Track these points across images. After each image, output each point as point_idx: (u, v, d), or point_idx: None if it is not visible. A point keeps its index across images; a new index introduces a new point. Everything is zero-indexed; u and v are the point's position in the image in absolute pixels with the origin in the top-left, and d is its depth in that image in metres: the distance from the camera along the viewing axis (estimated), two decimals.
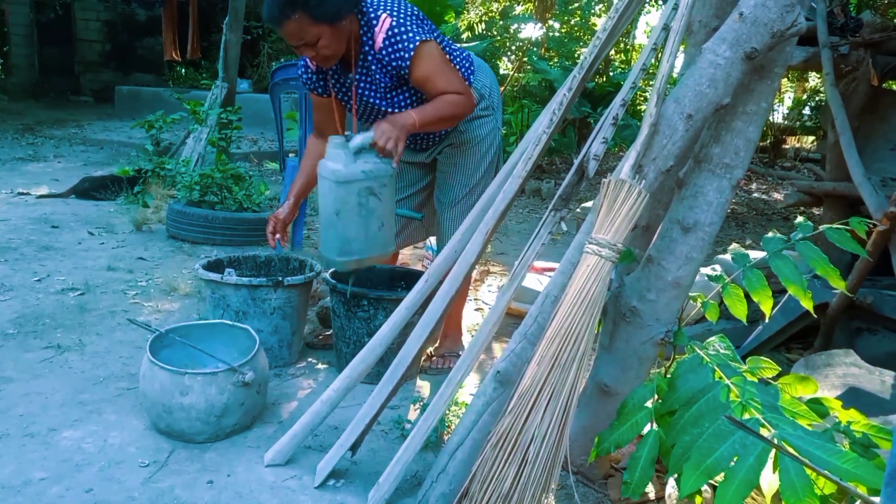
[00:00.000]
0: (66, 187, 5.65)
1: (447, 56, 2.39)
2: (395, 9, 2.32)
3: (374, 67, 2.36)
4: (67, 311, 3.01)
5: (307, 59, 2.46)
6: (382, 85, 2.39)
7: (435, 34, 2.37)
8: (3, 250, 3.81)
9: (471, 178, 2.60)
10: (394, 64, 2.31)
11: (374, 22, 2.29)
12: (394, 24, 2.27)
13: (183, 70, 13.05)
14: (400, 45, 2.28)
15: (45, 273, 3.49)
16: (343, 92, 2.50)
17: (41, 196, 5.44)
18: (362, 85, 2.42)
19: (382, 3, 2.33)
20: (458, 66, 2.47)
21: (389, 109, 2.42)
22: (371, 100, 2.44)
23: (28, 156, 7.54)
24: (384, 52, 2.30)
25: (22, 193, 5.49)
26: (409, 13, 2.34)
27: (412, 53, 2.27)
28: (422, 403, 2.29)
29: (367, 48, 2.34)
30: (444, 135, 2.56)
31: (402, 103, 2.42)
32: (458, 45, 2.62)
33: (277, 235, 2.57)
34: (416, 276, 2.41)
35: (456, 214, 2.60)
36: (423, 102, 2.39)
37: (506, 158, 2.15)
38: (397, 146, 2.16)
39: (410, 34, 2.27)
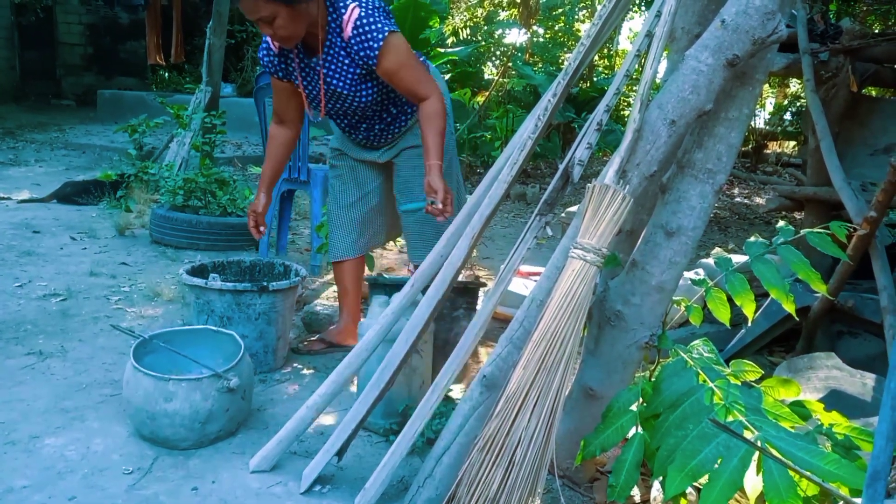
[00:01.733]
0: (47, 192, 5.60)
1: (409, 46, 2.41)
2: (363, 0, 2.33)
3: (342, 55, 2.38)
4: (49, 317, 2.98)
5: (269, 42, 2.47)
6: (349, 73, 2.41)
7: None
8: None
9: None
10: (362, 54, 2.33)
11: (343, 11, 2.32)
12: (362, 14, 2.30)
13: (166, 74, 12.99)
14: (369, 36, 2.30)
15: (26, 279, 3.46)
16: (307, 78, 2.49)
17: (22, 201, 5.38)
18: (328, 71, 2.43)
19: None
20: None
21: (356, 98, 2.45)
22: (338, 88, 2.44)
23: (9, 160, 7.46)
24: (353, 42, 2.32)
25: (2, 198, 5.43)
26: (376, 5, 2.35)
27: (380, 44, 2.29)
28: (408, 408, 2.29)
29: (333, 36, 2.36)
30: (398, 134, 2.58)
31: (368, 92, 2.44)
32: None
33: (262, 227, 2.60)
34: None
35: (421, 218, 2.59)
36: (389, 92, 2.47)
37: (491, 163, 2.16)
38: (448, 198, 2.27)
39: (379, 24, 2.30)
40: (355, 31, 2.31)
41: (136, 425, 2.05)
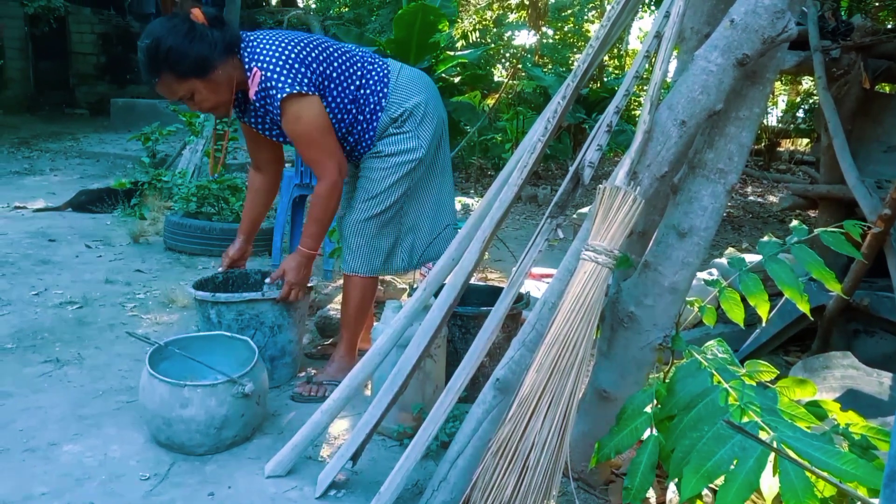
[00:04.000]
0: (62, 201, 5.65)
1: (321, 116, 2.28)
2: (268, 58, 2.23)
3: (257, 110, 2.35)
4: (66, 325, 3.00)
5: None
6: (272, 124, 2.37)
7: (310, 78, 2.25)
8: (1, 265, 3.81)
9: (372, 191, 2.42)
10: (271, 116, 2.31)
11: (248, 74, 2.25)
12: (262, 77, 2.22)
13: None
14: (270, 101, 2.24)
15: (42, 287, 3.49)
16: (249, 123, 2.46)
17: (38, 210, 5.44)
18: (256, 124, 2.40)
19: (257, 53, 2.24)
20: (363, 94, 2.38)
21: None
22: (273, 136, 2.43)
23: (24, 169, 7.54)
24: (258, 105, 2.29)
25: (19, 207, 5.49)
26: (282, 60, 2.22)
27: (278, 108, 2.23)
28: (422, 412, 2.29)
29: (248, 94, 2.31)
30: (370, 145, 2.45)
31: None
32: (379, 60, 2.47)
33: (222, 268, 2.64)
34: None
35: (351, 223, 2.46)
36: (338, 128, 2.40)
37: (502, 166, 2.16)
38: (293, 293, 2.41)
39: (278, 87, 2.20)
40: (258, 96, 2.25)
41: (152, 431, 2.07)
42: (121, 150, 8.79)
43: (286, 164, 2.95)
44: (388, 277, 3.51)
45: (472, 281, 2.31)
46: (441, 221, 2.60)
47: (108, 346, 2.82)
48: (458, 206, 6.88)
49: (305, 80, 2.24)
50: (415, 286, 2.79)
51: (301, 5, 16.27)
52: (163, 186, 5.39)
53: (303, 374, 2.59)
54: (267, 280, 2.48)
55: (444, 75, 9.34)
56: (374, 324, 2.41)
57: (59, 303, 3.28)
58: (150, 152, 5.94)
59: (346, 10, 14.13)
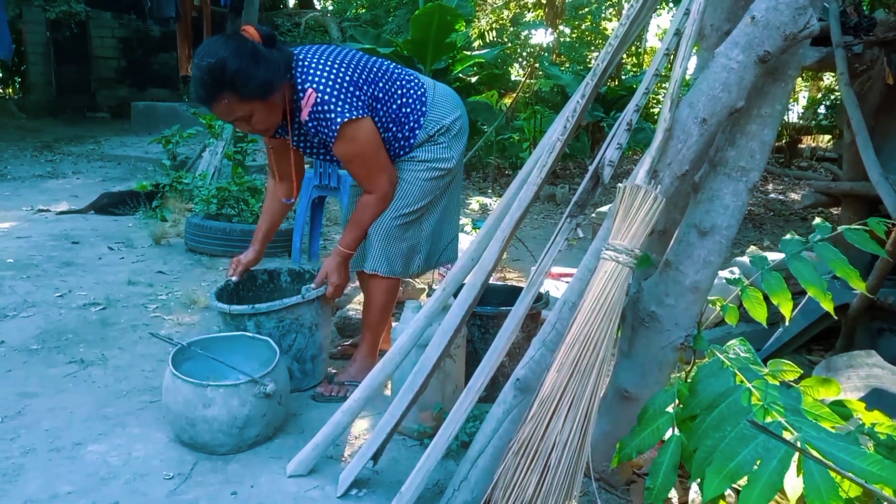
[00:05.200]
0: (85, 203, 5.73)
1: (374, 135, 2.32)
2: (324, 80, 2.23)
3: (307, 131, 2.37)
4: (89, 326, 3.04)
5: None
6: (320, 145, 2.43)
7: (363, 101, 2.28)
8: (25, 267, 3.87)
9: (403, 194, 2.44)
10: (320, 137, 2.33)
11: (301, 95, 2.25)
12: (318, 99, 2.22)
13: None
14: (325, 123, 2.25)
15: (66, 289, 3.54)
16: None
17: (61, 212, 5.51)
18: (298, 141, 2.44)
19: (311, 73, 2.25)
20: (404, 112, 2.41)
21: (332, 158, 2.47)
22: (311, 156, 2.50)
23: (47, 173, 7.64)
24: (310, 125, 2.29)
25: (42, 210, 5.56)
26: (337, 83, 2.24)
27: (335, 133, 2.25)
28: (442, 412, 2.30)
29: (297, 115, 2.31)
30: (401, 157, 2.47)
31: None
32: (414, 77, 2.50)
33: (233, 274, 2.62)
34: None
35: (379, 224, 2.44)
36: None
37: (519, 165, 2.15)
38: (338, 292, 2.47)
39: (336, 112, 2.22)
40: (311, 117, 2.26)
41: (175, 431, 2.09)
42: (142, 153, 8.88)
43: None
44: (404, 278, 3.52)
45: (491, 281, 2.29)
46: (451, 228, 2.67)
47: (131, 346, 2.85)
48: (476, 206, 6.87)
49: (359, 104, 2.27)
50: (433, 286, 2.80)
51: (318, 7, 16.34)
52: (183, 189, 5.44)
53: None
54: (311, 285, 2.46)
55: (461, 75, 9.35)
56: (394, 324, 2.42)
57: (83, 304, 3.32)
58: (170, 155, 6.00)
59: (364, 11, 14.16)
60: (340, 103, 2.23)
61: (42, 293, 3.44)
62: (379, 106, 2.36)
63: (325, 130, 2.27)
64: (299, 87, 2.25)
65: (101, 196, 5.77)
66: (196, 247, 4.41)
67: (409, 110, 2.42)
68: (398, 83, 2.43)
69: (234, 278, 2.60)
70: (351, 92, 2.26)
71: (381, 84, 2.37)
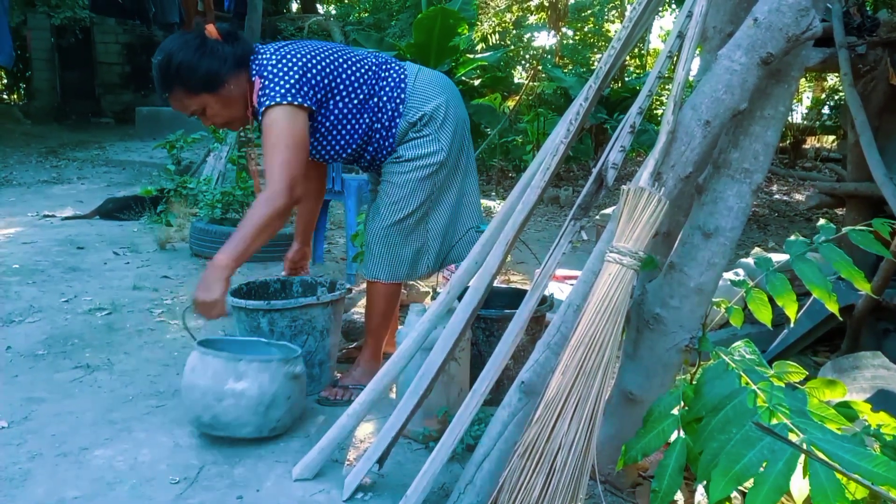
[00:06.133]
0: (90, 209, 5.76)
1: (296, 128, 2.18)
2: (268, 68, 2.21)
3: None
4: (95, 331, 3.05)
5: None
6: None
7: (307, 90, 2.21)
8: (31, 272, 3.88)
9: (394, 196, 2.40)
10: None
11: (254, 84, 2.24)
12: (260, 86, 2.20)
13: None
14: (260, 108, 2.21)
15: (72, 294, 3.55)
16: None
17: (66, 218, 5.54)
18: None
19: (262, 64, 2.23)
20: (377, 103, 2.37)
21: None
22: None
23: (52, 178, 7.68)
24: (259, 113, 2.26)
25: (47, 216, 5.59)
26: (280, 70, 2.20)
27: (262, 115, 2.20)
28: (447, 415, 2.30)
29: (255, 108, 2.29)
30: (391, 151, 2.43)
31: (317, 144, 2.37)
32: (396, 65, 2.44)
33: (287, 272, 2.69)
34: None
35: (374, 229, 2.44)
36: (349, 143, 2.38)
37: (523, 168, 2.15)
38: (208, 313, 2.11)
39: (266, 95, 2.17)
40: (258, 104, 2.22)
41: (196, 413, 2.07)
42: (146, 158, 8.92)
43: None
44: (410, 281, 3.52)
45: (495, 283, 2.28)
46: (465, 224, 2.58)
47: (136, 351, 2.86)
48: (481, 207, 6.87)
49: (301, 92, 2.20)
50: (437, 289, 2.80)
51: (321, 12, 16.38)
52: (188, 193, 5.46)
53: None
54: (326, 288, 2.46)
55: (464, 78, 9.36)
56: (399, 327, 2.42)
57: (89, 309, 3.33)
58: (174, 160, 6.02)
59: (366, 15, 14.21)
60: (277, 87, 2.17)
61: (48, 298, 3.45)
62: (339, 98, 2.31)
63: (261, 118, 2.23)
64: (253, 79, 2.25)
65: (105, 201, 5.80)
66: (201, 251, 4.42)
67: (385, 98, 2.37)
68: (371, 72, 2.38)
69: (283, 274, 2.70)
70: (293, 80, 2.19)
71: (344, 75, 2.32)
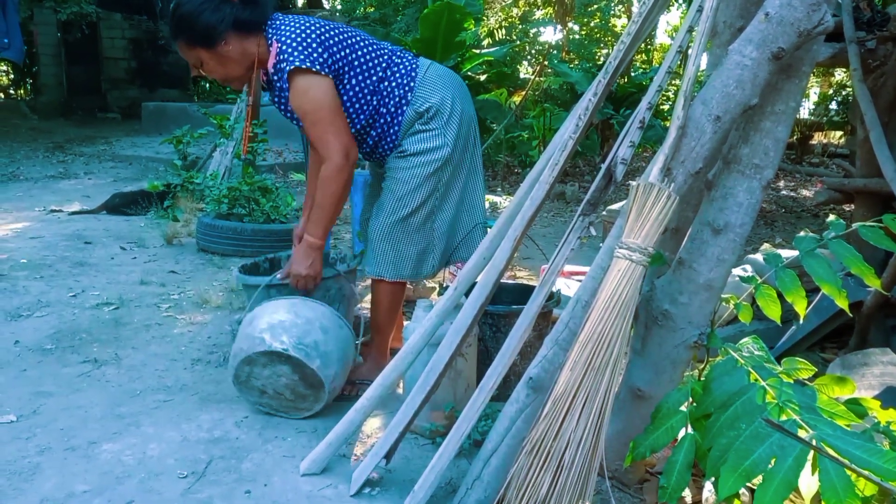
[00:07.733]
0: (97, 204, 5.77)
1: (330, 96, 2.24)
2: (287, 33, 2.23)
3: (276, 86, 2.33)
4: (103, 326, 3.06)
5: None
6: (285, 100, 2.34)
7: (326, 60, 2.22)
8: (39, 267, 3.89)
9: (398, 192, 2.39)
10: (284, 92, 2.29)
11: (270, 49, 2.27)
12: (279, 49, 2.22)
13: (207, 85, 13.24)
14: (279, 75, 2.24)
15: (79, 289, 3.56)
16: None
17: (73, 213, 5.55)
18: (276, 101, 2.39)
19: (280, 30, 2.25)
20: (387, 87, 2.36)
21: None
22: (286, 114, 2.40)
23: (59, 173, 7.70)
24: (275, 79, 2.28)
25: (54, 211, 5.60)
26: (300, 37, 2.22)
27: (286, 82, 2.23)
28: (454, 411, 2.30)
29: (269, 73, 2.31)
30: (394, 141, 2.42)
31: None
32: (409, 56, 2.46)
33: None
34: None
35: (377, 226, 2.43)
36: (356, 121, 2.38)
37: (529, 163, 2.14)
38: (308, 284, 2.39)
39: (288, 59, 2.19)
40: (275, 68, 2.25)
41: (260, 330, 2.20)
42: (153, 154, 8.93)
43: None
44: (415, 280, 3.52)
45: (502, 279, 2.27)
46: (471, 221, 2.57)
47: (144, 346, 2.87)
48: (485, 205, 6.87)
49: (320, 60, 2.22)
50: (444, 285, 2.80)
51: (327, 6, 16.37)
52: (195, 188, 5.47)
53: None
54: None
55: (470, 73, 9.34)
56: (406, 323, 2.42)
57: (96, 304, 3.34)
58: (181, 155, 6.02)
59: (372, 10, 14.19)
60: (296, 52, 2.20)
61: (55, 293, 3.46)
62: (353, 73, 2.31)
63: (282, 83, 2.26)
64: (269, 44, 2.28)
65: (112, 196, 5.81)
66: (207, 246, 4.43)
67: (394, 84, 2.37)
68: (385, 57, 2.39)
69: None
70: (313, 47, 2.22)
71: (359, 52, 2.33)
